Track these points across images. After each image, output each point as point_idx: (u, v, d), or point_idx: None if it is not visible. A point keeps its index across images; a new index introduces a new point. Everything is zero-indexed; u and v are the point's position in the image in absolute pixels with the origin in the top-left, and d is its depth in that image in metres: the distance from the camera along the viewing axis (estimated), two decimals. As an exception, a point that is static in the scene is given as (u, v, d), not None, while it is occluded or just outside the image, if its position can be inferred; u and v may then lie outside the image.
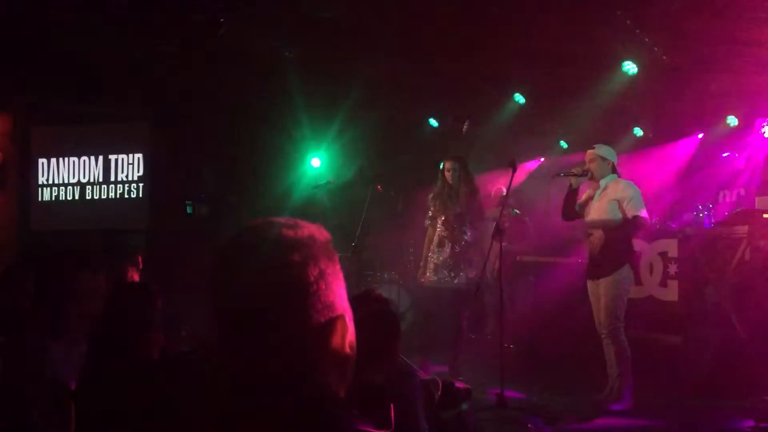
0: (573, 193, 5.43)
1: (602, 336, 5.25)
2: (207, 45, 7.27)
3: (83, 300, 2.60)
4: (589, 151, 5.37)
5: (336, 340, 1.16)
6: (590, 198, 5.38)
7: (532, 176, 9.83)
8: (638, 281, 6.57)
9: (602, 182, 5.28)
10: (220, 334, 1.16)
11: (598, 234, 5.24)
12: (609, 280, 5.13)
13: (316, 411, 1.11)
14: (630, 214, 5.13)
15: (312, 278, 1.13)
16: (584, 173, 5.37)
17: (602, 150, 5.34)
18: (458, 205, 6.02)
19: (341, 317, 1.17)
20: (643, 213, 5.15)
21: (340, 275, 1.19)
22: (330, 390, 1.16)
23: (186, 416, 1.19)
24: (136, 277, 6.82)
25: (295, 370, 1.13)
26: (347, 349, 1.19)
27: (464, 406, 4.87)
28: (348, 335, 1.19)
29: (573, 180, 5.42)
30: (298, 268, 1.13)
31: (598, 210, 5.27)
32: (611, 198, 5.21)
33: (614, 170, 5.34)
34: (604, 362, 5.33)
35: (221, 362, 1.16)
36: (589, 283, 5.35)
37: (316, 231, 1.19)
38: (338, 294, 1.17)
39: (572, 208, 5.44)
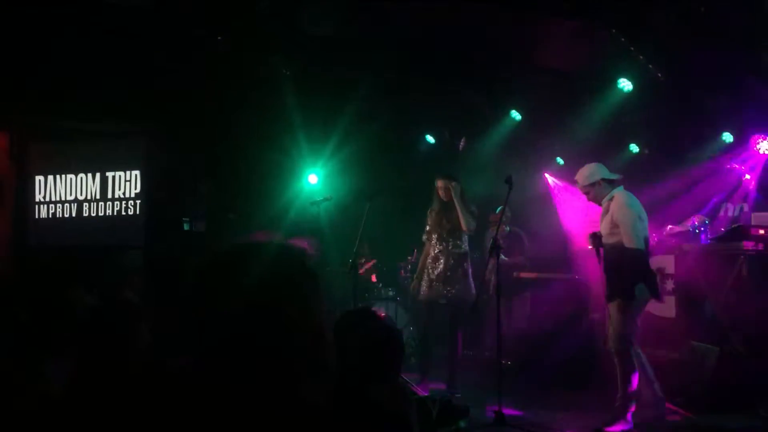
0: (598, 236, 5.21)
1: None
2: (205, 61, 7.32)
3: (79, 317, 2.60)
4: (579, 187, 5.25)
5: (320, 353, 1.24)
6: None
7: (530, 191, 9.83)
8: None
9: (604, 201, 5.17)
10: (205, 346, 1.21)
11: (607, 255, 5.11)
12: (618, 302, 5.00)
13: (302, 421, 1.17)
14: (626, 244, 4.95)
15: (299, 296, 1.22)
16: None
17: (585, 176, 5.18)
18: (451, 221, 6.06)
19: (323, 332, 1.25)
20: (635, 244, 4.92)
21: (322, 293, 1.29)
22: (314, 402, 1.20)
23: (170, 428, 1.21)
24: (132, 295, 6.78)
25: (280, 383, 1.18)
26: (327, 360, 1.29)
27: (462, 424, 4.85)
28: (328, 348, 1.32)
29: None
30: (287, 287, 1.21)
31: (604, 231, 5.15)
32: (611, 219, 5.08)
33: (611, 182, 5.18)
34: (603, 378, 5.31)
35: (205, 373, 1.20)
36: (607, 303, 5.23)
37: (301, 251, 1.28)
38: (320, 310, 1.26)
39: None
